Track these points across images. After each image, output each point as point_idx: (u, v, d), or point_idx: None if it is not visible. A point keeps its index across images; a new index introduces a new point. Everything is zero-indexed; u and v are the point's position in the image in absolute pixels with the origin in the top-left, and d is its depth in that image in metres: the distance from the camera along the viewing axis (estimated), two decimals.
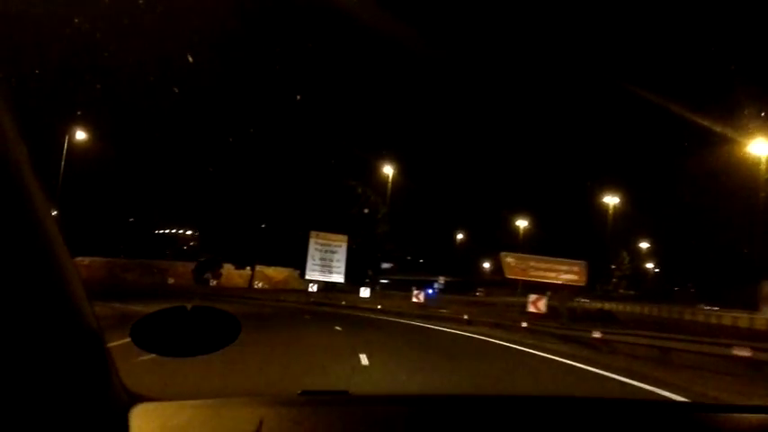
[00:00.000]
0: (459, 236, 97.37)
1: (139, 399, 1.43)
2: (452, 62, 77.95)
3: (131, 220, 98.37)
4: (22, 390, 1.01)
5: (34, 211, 1.07)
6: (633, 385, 9.96)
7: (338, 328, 19.89)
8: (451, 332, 21.05)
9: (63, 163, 32.92)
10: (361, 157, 72.38)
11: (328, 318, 28.60)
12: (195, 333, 1.59)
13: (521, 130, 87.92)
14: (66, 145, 33.17)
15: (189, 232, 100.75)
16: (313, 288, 49.09)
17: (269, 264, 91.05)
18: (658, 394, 9.14)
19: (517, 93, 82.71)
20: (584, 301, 45.98)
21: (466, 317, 25.26)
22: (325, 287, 53.52)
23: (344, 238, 52.89)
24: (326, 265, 51.75)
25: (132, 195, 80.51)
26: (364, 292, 40.83)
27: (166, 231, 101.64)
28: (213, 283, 63.91)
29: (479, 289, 69.51)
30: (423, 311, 30.67)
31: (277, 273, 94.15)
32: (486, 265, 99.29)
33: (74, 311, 1.13)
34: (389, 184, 61.01)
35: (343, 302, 40.73)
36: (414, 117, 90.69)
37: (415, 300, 31.89)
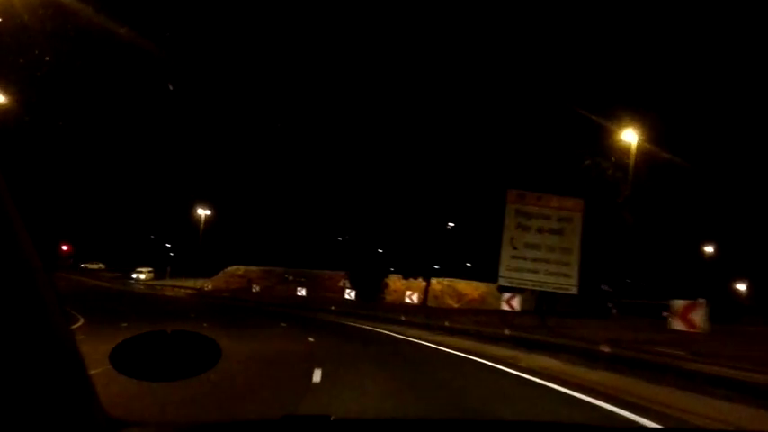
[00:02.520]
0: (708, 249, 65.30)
1: (120, 424, 1.33)
2: None
3: (340, 239, 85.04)
4: None
5: (7, 231, 1.00)
6: None
7: None
8: None
9: None
10: (586, 118, 45.46)
11: None
12: (175, 357, 1.51)
13: None
14: None
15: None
16: (513, 303, 21.67)
17: (464, 276, 67.71)
18: None
19: None
20: None
21: None
22: (548, 305, 25.84)
23: (579, 203, 25.18)
24: (541, 260, 24.21)
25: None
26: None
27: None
28: (351, 294, 39.57)
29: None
30: None
31: (471, 288, 69.51)
32: (741, 286, 66.24)
33: (50, 335, 1.06)
34: (632, 157, 31.92)
35: (580, 338, 12.87)
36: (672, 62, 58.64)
37: None
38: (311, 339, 16.72)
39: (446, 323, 22.22)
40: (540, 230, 24.33)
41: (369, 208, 62.78)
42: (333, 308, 34.79)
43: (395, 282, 57.31)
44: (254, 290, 49.85)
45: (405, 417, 6.26)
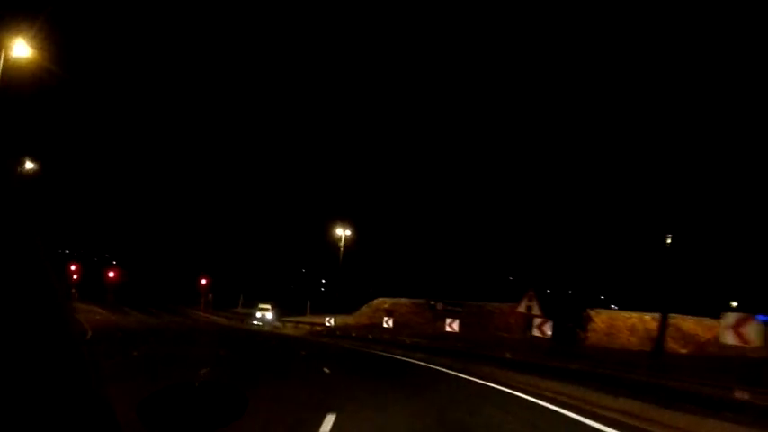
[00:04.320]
0: None
1: None
2: None
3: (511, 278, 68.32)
4: None
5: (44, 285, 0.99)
6: None
7: None
8: None
9: None
10: None
11: None
12: (202, 410, 1.46)
13: None
14: None
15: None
16: None
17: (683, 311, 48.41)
18: None
19: None
20: None
21: None
22: None
23: None
24: None
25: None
26: None
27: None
28: (546, 331, 20.64)
29: None
30: None
31: (702, 327, 49.46)
32: None
33: (71, 363, 1.03)
34: None
35: None
36: None
37: None
38: None
39: None
40: None
41: (556, 217, 44.69)
42: (508, 355, 16.62)
43: (604, 317, 37.78)
44: (385, 325, 33.04)
45: None
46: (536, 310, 16.76)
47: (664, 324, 30.97)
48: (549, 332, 17.34)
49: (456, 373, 15.51)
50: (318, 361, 16.96)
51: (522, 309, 16.95)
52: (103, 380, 1.09)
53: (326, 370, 14.10)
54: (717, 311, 49.32)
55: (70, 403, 0.99)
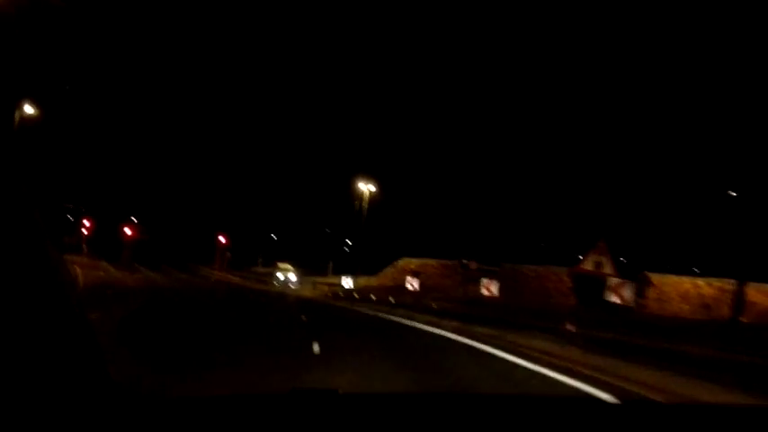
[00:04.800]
0: None
1: (130, 395, 1.25)
2: None
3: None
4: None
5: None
6: None
7: None
8: None
9: None
10: None
11: None
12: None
13: None
14: None
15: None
16: None
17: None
18: None
19: None
20: None
21: None
22: None
23: None
24: None
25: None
26: None
27: None
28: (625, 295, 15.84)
29: None
30: None
31: (760, 294, 43.85)
32: None
33: (58, 299, 1.04)
34: None
35: None
36: None
37: None
38: None
39: None
40: None
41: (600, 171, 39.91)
42: (570, 327, 12.25)
43: (659, 281, 32.97)
44: (410, 287, 28.78)
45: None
46: (608, 268, 12.37)
47: (741, 292, 26.32)
48: (630, 297, 12.93)
49: (501, 354, 11.23)
50: (315, 334, 12.81)
51: (588, 266, 12.53)
52: (89, 323, 1.04)
53: (316, 350, 9.90)
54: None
55: (58, 345, 0.97)
